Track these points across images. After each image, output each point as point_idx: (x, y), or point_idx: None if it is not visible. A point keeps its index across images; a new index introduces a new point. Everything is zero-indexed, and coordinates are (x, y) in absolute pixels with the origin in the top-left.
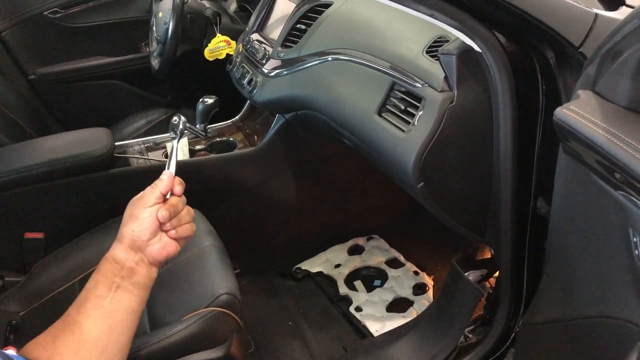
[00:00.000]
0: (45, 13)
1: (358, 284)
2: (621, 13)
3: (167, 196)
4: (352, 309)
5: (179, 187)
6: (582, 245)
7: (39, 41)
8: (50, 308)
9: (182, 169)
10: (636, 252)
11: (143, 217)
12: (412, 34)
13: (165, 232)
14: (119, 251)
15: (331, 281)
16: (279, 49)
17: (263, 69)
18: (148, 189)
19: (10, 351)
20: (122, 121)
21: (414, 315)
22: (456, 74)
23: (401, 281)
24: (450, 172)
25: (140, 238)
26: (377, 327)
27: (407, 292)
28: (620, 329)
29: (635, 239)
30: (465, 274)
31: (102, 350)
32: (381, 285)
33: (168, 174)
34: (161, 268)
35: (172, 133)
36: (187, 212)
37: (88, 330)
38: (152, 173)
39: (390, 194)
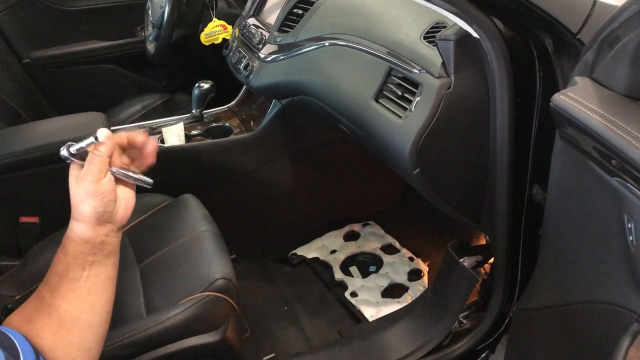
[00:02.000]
0: None
1: (353, 269)
2: None
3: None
4: (347, 295)
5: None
6: (577, 231)
7: (34, 24)
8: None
9: (178, 155)
10: (630, 238)
11: (102, 191)
12: (409, 20)
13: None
14: (86, 231)
15: (327, 267)
16: (276, 33)
17: (259, 54)
18: (91, 158)
19: None
20: (117, 106)
21: (409, 301)
22: (454, 60)
23: (396, 267)
24: (447, 158)
25: (106, 212)
26: (372, 312)
27: (402, 278)
28: (614, 315)
29: (629, 225)
30: (461, 260)
31: (85, 326)
32: (376, 271)
33: (104, 132)
34: (157, 253)
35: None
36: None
37: (66, 311)
38: None
39: (386, 180)
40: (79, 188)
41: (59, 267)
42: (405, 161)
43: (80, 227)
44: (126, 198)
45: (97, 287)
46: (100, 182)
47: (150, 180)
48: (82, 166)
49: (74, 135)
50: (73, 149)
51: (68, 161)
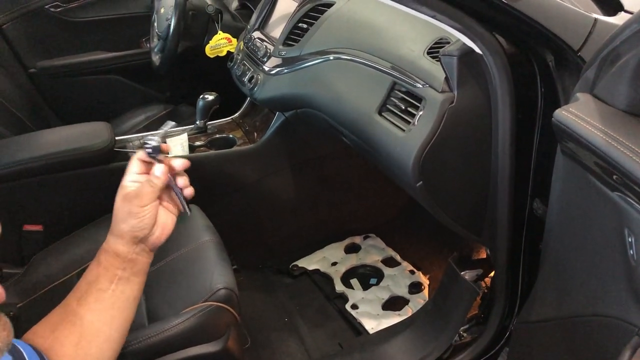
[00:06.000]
0: (46, 7)
1: (354, 282)
2: (620, 18)
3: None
4: (348, 307)
5: (183, 180)
6: (578, 245)
7: (40, 35)
8: (48, 300)
9: None
10: (631, 251)
11: (143, 215)
12: (413, 35)
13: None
14: (120, 246)
15: (328, 279)
16: (281, 47)
17: (264, 67)
18: (145, 186)
19: None
20: (121, 116)
21: (410, 314)
22: (457, 75)
23: (397, 280)
24: (449, 172)
25: (143, 232)
26: (373, 324)
27: (402, 291)
28: (614, 328)
29: (630, 239)
30: (462, 273)
31: (104, 340)
32: (377, 284)
33: (162, 169)
34: (160, 262)
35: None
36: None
37: (89, 322)
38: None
39: (387, 193)
40: (124, 207)
41: (89, 276)
42: (408, 174)
43: (115, 241)
44: (164, 223)
45: (120, 303)
46: (144, 207)
47: (189, 212)
48: (158, 161)
49: (79, 145)
50: (149, 148)
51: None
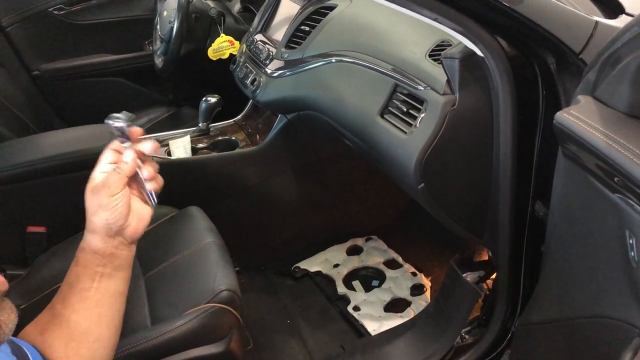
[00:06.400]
0: (50, 10)
1: (356, 283)
2: (621, 21)
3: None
4: (350, 309)
5: (148, 170)
6: (579, 247)
7: (43, 37)
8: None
9: (185, 167)
10: (632, 253)
11: (115, 205)
12: (415, 38)
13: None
14: (96, 241)
15: (330, 281)
16: (283, 49)
17: (266, 70)
18: (111, 175)
19: None
20: None
21: (411, 316)
22: (458, 77)
23: (399, 282)
24: (451, 174)
25: (116, 224)
26: (375, 326)
27: (404, 293)
28: (615, 329)
29: (631, 241)
30: (463, 275)
31: (94, 339)
32: (379, 286)
33: (131, 156)
34: (163, 264)
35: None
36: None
37: (75, 323)
38: None
39: (389, 195)
40: (94, 200)
41: (70, 277)
42: (410, 176)
43: (91, 238)
44: (139, 213)
45: (106, 300)
46: (114, 196)
47: (155, 202)
48: (122, 141)
49: (83, 147)
50: (115, 128)
51: (115, 133)
